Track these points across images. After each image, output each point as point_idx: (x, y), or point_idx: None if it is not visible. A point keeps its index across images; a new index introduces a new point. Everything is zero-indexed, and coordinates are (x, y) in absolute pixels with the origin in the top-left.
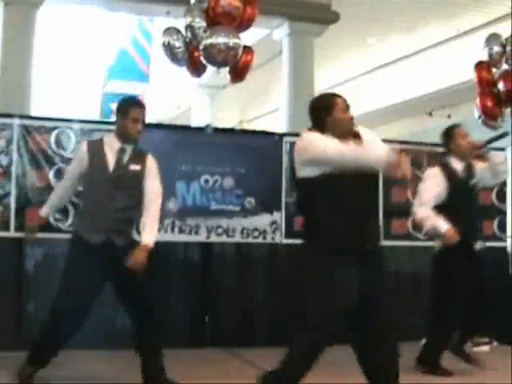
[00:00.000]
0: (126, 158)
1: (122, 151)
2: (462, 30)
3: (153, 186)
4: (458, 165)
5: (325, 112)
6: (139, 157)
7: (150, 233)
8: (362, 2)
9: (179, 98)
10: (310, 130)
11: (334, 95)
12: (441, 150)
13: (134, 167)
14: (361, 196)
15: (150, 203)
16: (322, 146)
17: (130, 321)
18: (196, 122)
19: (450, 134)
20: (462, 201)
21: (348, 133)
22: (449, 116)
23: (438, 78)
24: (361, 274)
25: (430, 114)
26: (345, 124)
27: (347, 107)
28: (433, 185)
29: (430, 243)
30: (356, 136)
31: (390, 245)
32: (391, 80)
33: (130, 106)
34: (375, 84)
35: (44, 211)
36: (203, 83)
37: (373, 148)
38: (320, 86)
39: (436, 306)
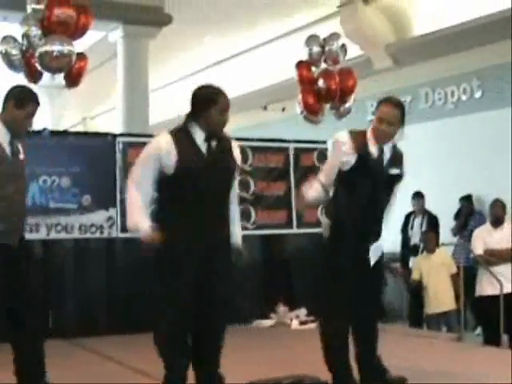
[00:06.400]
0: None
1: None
2: (293, 28)
3: None
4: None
5: (203, 105)
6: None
7: None
8: (196, 3)
9: None
10: (188, 115)
11: (220, 93)
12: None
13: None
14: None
15: None
16: (137, 161)
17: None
18: (37, 121)
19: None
20: None
21: (214, 134)
22: (283, 109)
23: (271, 73)
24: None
25: (265, 108)
26: (216, 125)
27: (226, 109)
28: None
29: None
30: (220, 139)
31: None
32: (227, 76)
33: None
34: (211, 80)
35: None
36: (42, 84)
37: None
38: (156, 85)
39: None
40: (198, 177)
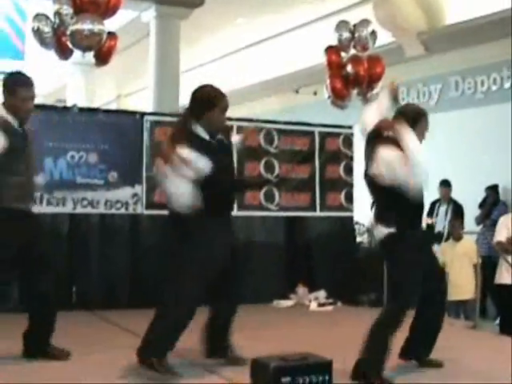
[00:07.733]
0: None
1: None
2: (325, 12)
3: None
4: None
5: (206, 105)
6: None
7: None
8: None
9: (54, 74)
10: (189, 115)
11: (221, 95)
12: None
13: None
14: None
15: None
16: None
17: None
18: (72, 97)
19: None
20: None
21: (218, 130)
22: (315, 93)
23: (304, 56)
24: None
25: (297, 92)
26: (219, 124)
27: (226, 108)
28: None
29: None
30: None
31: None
32: (259, 58)
33: (17, 85)
34: (244, 62)
35: None
36: (76, 61)
37: None
38: (187, 66)
39: None
40: (219, 170)
